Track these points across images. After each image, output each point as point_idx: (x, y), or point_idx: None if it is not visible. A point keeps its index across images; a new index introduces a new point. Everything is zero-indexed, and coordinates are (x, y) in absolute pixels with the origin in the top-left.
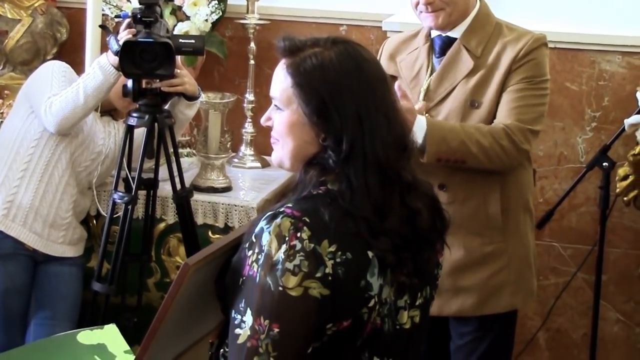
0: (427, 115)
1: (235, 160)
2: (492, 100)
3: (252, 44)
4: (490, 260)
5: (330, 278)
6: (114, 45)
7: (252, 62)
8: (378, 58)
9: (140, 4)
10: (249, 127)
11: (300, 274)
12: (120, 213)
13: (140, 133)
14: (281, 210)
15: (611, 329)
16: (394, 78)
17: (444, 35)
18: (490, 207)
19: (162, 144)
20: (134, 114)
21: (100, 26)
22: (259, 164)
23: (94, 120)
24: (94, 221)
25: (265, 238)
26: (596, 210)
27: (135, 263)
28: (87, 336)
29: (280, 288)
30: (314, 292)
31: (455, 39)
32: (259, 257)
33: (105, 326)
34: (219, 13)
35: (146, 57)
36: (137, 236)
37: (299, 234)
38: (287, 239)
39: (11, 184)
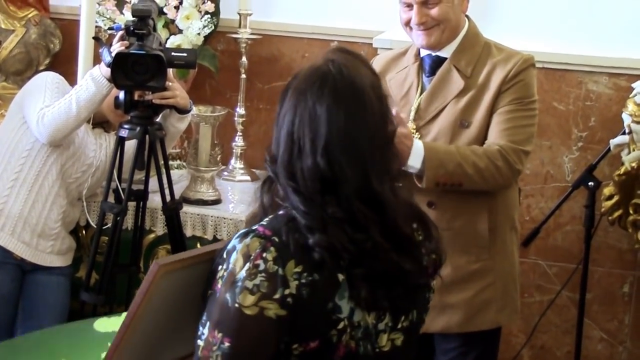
0: (418, 134)
1: (225, 173)
2: (482, 121)
3: (244, 58)
4: (477, 277)
5: (289, 299)
6: (107, 57)
7: (243, 76)
8: None
9: (133, 16)
10: (239, 141)
11: (257, 294)
12: (110, 224)
13: (131, 145)
14: (254, 228)
15: (595, 347)
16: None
17: (433, 54)
18: (478, 225)
19: (152, 156)
20: (126, 126)
21: (93, 38)
22: (248, 177)
23: (86, 132)
24: (84, 231)
25: (234, 256)
26: (581, 229)
27: (123, 274)
28: (103, 323)
29: (237, 305)
30: (270, 312)
31: (445, 58)
32: (225, 273)
33: (123, 313)
34: (211, 27)
35: (138, 69)
36: (126, 247)
37: (264, 254)
38: (251, 258)
39: (1, 193)
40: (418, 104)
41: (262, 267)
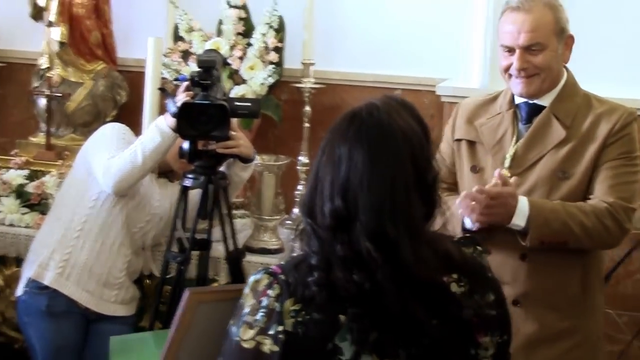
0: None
1: (288, 222)
2: (583, 172)
3: (307, 107)
4: (565, 336)
5: (282, 336)
6: (172, 108)
7: (306, 125)
8: (452, 120)
9: (198, 67)
10: (302, 189)
11: (256, 329)
12: (174, 273)
13: (194, 194)
14: (270, 266)
15: None
16: (472, 143)
17: (530, 102)
18: (570, 281)
19: (216, 205)
20: (189, 175)
21: (159, 89)
22: None
23: (150, 182)
24: (147, 281)
25: (245, 291)
26: None
27: None
28: None
29: (237, 338)
30: (265, 347)
31: (542, 106)
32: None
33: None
34: (275, 77)
35: (202, 119)
36: None
37: (269, 291)
38: (258, 294)
39: (68, 243)
40: (514, 152)
41: (264, 303)
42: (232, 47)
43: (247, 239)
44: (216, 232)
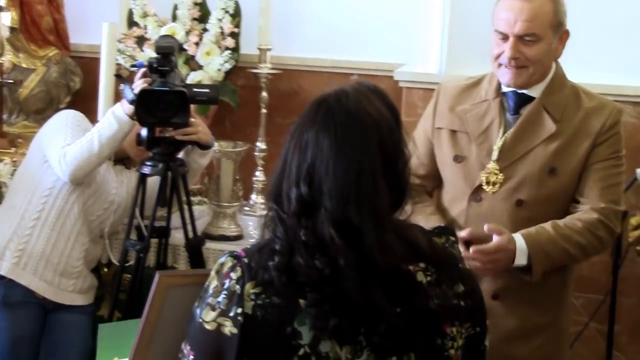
0: (502, 175)
1: (247, 208)
2: (573, 170)
3: (264, 93)
4: (542, 330)
5: (240, 318)
6: (129, 94)
7: (264, 110)
8: (433, 106)
9: (157, 53)
10: (260, 176)
11: (217, 310)
12: (132, 261)
13: (152, 181)
14: (237, 250)
15: None
16: (453, 131)
17: (519, 91)
18: (550, 278)
19: (175, 192)
20: (148, 163)
21: (115, 75)
22: None
23: (107, 169)
24: (105, 269)
25: (211, 274)
26: (608, 260)
27: None
28: None
29: (200, 320)
30: (226, 329)
31: (531, 97)
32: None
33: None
34: (232, 63)
35: (161, 106)
36: (148, 284)
37: (231, 274)
38: (222, 276)
39: (23, 232)
40: (503, 143)
41: (227, 285)
42: (188, 33)
43: (206, 226)
44: (175, 220)
